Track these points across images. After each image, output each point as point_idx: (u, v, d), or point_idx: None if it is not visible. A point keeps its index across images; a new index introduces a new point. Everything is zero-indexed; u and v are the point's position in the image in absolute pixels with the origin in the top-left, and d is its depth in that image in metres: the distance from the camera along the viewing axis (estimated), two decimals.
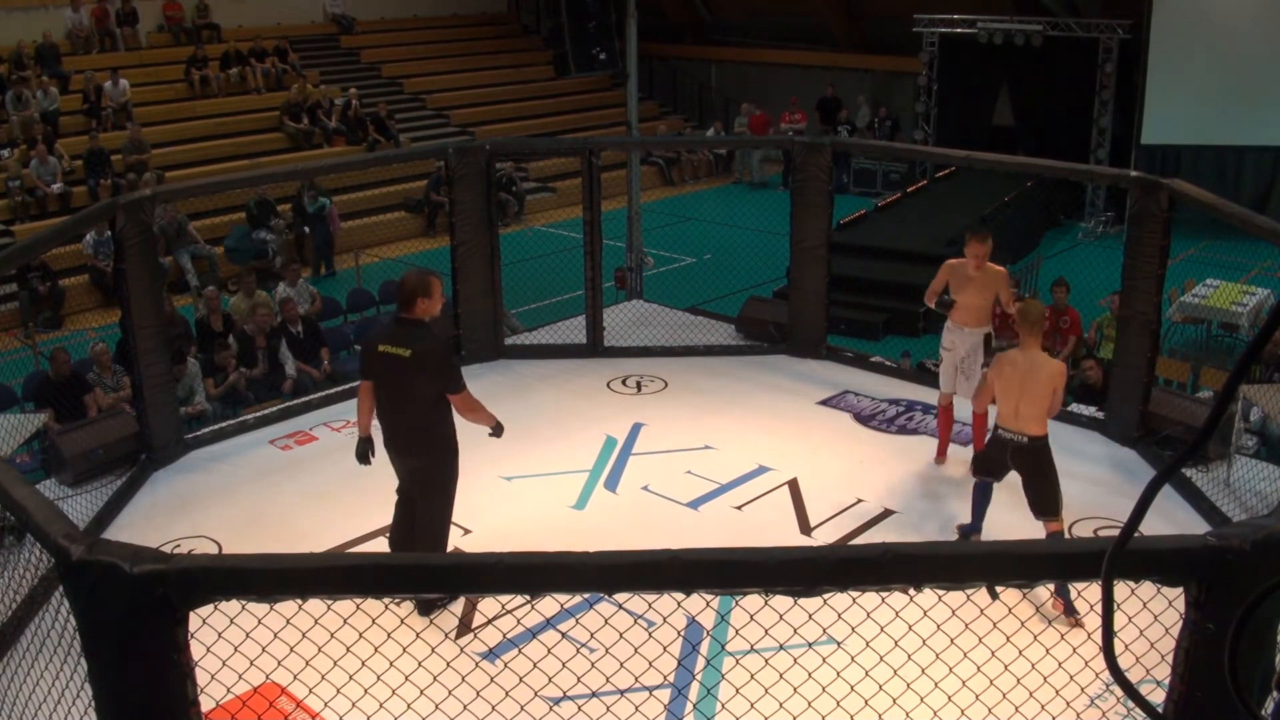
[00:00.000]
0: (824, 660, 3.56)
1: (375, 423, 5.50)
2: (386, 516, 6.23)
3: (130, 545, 2.52)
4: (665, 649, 3.97)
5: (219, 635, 3.04)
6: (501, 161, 14.24)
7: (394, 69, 20.42)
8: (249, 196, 14.45)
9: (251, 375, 9.23)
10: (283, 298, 10.28)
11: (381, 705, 3.58)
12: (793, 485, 6.89)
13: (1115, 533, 1.87)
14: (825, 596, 2.58)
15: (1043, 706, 3.58)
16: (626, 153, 11.96)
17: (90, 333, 10.86)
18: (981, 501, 5.97)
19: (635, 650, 3.68)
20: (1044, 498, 5.62)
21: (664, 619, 4.48)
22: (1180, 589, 2.63)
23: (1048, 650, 3.62)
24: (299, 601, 2.57)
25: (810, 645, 3.62)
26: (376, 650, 3.64)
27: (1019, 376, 5.62)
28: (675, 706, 4.70)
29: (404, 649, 3.55)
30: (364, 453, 5.59)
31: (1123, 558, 1.84)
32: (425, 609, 5.42)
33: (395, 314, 5.38)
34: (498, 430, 5.49)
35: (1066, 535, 5.85)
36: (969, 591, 2.69)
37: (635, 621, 4.15)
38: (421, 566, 2.67)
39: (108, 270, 11.43)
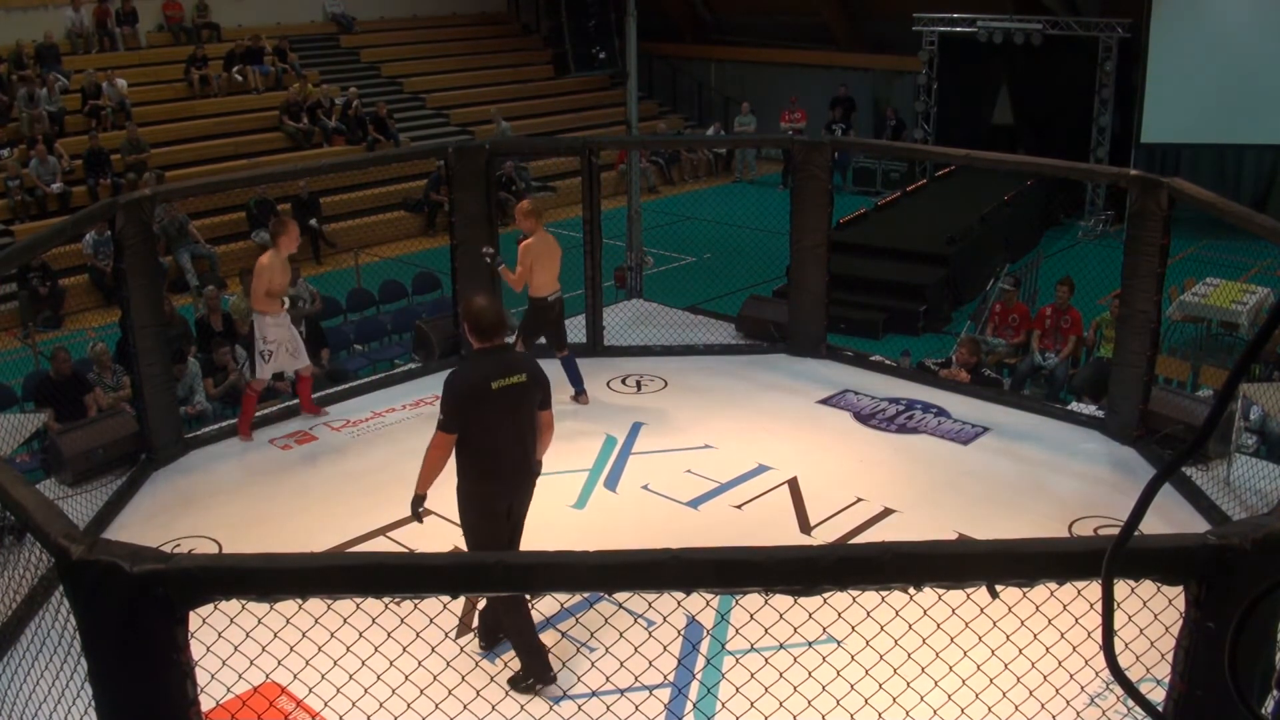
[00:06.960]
0: (824, 659, 3.56)
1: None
2: (387, 516, 6.27)
3: (130, 545, 2.52)
4: (665, 648, 3.98)
5: (219, 635, 3.04)
6: (501, 161, 14.23)
7: (394, 68, 20.40)
8: (249, 196, 14.46)
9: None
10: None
11: (381, 705, 3.57)
12: (793, 484, 6.89)
13: (1115, 531, 1.87)
14: (825, 595, 2.58)
15: (1043, 705, 3.58)
16: (626, 152, 11.95)
17: (90, 333, 10.84)
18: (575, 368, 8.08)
19: (635, 649, 3.68)
20: (563, 335, 8.11)
21: (664, 618, 4.48)
22: (1180, 588, 2.63)
23: (1048, 649, 3.61)
24: (299, 601, 2.56)
25: (810, 644, 3.62)
26: (376, 650, 3.64)
27: (548, 252, 7.90)
28: (675, 705, 4.70)
29: (404, 648, 3.54)
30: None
31: (1123, 556, 1.84)
32: (489, 639, 5.03)
33: (487, 345, 4.77)
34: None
35: (1067, 534, 5.87)
36: (969, 590, 2.69)
37: (635, 621, 4.15)
38: (421, 567, 2.67)
39: (108, 270, 11.43)
